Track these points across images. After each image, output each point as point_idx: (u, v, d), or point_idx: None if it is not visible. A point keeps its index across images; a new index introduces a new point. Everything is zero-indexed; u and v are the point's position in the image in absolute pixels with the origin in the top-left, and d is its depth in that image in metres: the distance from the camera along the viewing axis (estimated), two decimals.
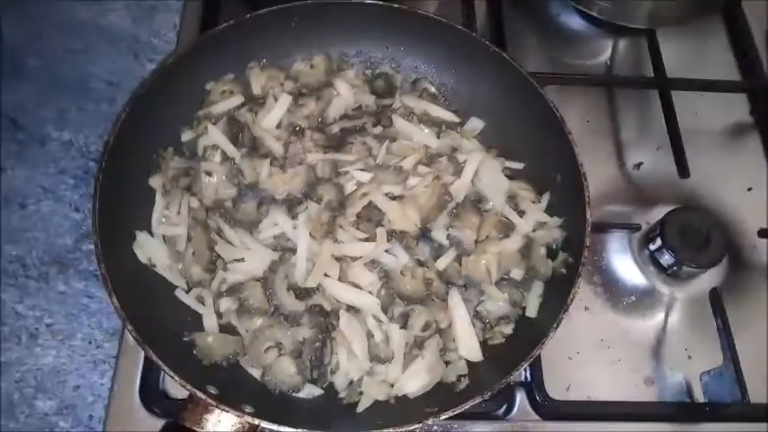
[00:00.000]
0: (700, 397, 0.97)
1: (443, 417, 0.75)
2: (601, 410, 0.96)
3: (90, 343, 1.02)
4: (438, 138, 1.00)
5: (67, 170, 1.15)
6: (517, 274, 0.90)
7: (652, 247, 1.07)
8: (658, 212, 1.08)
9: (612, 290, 1.07)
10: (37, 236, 1.09)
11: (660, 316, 1.06)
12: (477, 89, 1.06)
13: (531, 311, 0.89)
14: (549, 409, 0.94)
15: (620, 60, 1.33)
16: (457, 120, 1.03)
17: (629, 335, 1.04)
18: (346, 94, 1.03)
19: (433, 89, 1.07)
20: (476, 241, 0.91)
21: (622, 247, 1.10)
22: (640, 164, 1.18)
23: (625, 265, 1.09)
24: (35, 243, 1.08)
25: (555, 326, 0.81)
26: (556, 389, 0.96)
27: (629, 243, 1.11)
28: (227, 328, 0.89)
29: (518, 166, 1.01)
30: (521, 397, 0.96)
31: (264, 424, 0.74)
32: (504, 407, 0.95)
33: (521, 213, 0.95)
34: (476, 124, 1.05)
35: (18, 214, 1.11)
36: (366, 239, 0.88)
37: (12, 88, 1.21)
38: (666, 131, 1.18)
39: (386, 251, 0.87)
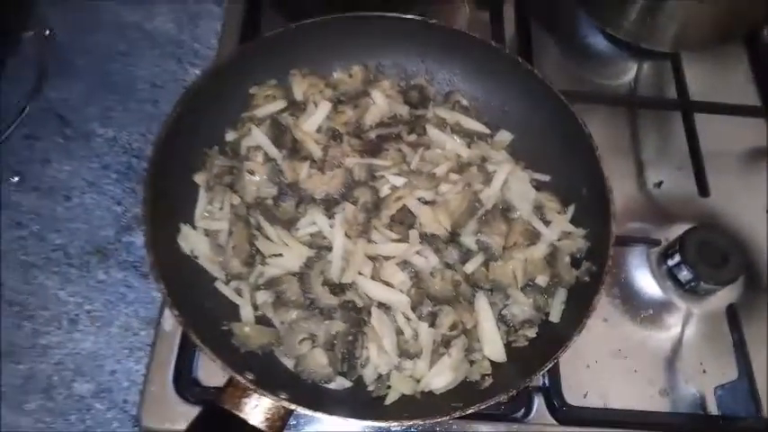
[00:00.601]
0: (713, 410, 0.99)
1: (468, 411, 0.79)
2: (616, 418, 0.98)
3: (127, 330, 1.05)
4: (469, 148, 1.04)
5: (111, 165, 1.17)
6: (542, 280, 0.93)
7: (671, 262, 1.10)
8: (677, 230, 1.12)
9: (631, 302, 1.10)
10: (80, 227, 1.12)
11: (676, 329, 1.09)
12: (507, 103, 1.11)
13: (555, 316, 0.93)
14: (566, 415, 0.97)
15: (643, 82, 1.38)
16: (487, 131, 1.07)
17: (646, 346, 1.06)
18: (382, 103, 1.07)
19: (464, 102, 1.11)
20: (503, 247, 0.94)
21: (641, 261, 1.14)
22: (660, 182, 1.22)
23: (644, 280, 1.12)
24: (78, 233, 1.11)
25: (578, 330, 0.84)
26: (573, 395, 0.99)
27: (648, 258, 1.14)
28: (262, 320, 0.92)
29: (545, 178, 1.04)
30: (539, 401, 0.98)
31: (300, 409, 0.78)
32: (523, 410, 0.98)
33: (546, 223, 0.98)
34: (505, 136, 1.09)
35: (62, 206, 1.14)
36: (399, 240, 0.92)
37: (60, 86, 1.24)
38: (687, 152, 1.22)
39: (417, 253, 0.91)
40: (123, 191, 1.17)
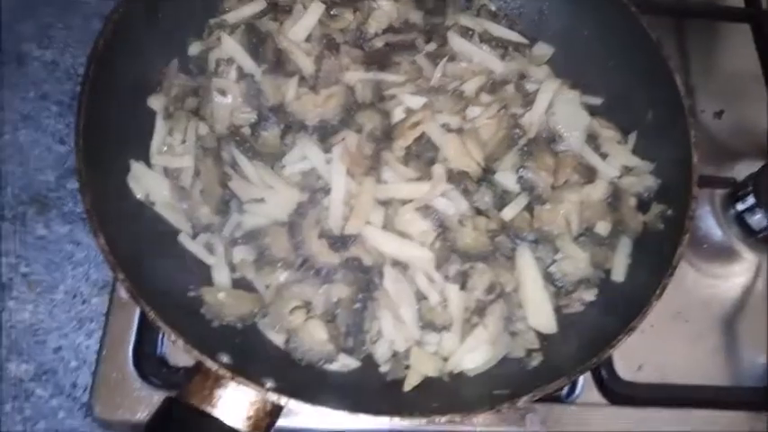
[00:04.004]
0: None
1: (520, 402, 0.59)
2: (677, 395, 0.85)
3: (74, 297, 0.87)
4: (503, 61, 0.82)
5: (50, 95, 1.00)
6: (603, 228, 0.74)
7: (740, 206, 0.96)
8: (745, 168, 0.98)
9: (691, 256, 0.94)
10: (13, 170, 0.94)
11: (746, 286, 0.94)
12: (546, 6, 0.92)
13: (618, 274, 0.74)
14: (619, 392, 0.83)
15: None
16: (525, 41, 0.86)
17: (710, 308, 0.92)
18: (388, 6, 0.85)
19: (492, 7, 0.91)
20: (552, 187, 0.74)
21: (703, 206, 0.98)
22: (721, 112, 1.05)
23: (707, 228, 0.97)
24: (11, 178, 0.93)
25: (657, 292, 0.65)
26: (625, 368, 0.85)
27: (712, 202, 0.99)
28: (241, 284, 0.73)
29: (596, 100, 0.85)
30: (585, 376, 0.83)
31: (291, 403, 0.58)
32: (566, 388, 0.82)
33: (603, 156, 0.79)
34: (544, 50, 0.88)
35: None
36: (417, 179, 0.72)
37: None
38: (753, 74, 1.03)
39: (442, 195, 0.71)
40: (67, 126, 0.98)
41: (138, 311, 0.80)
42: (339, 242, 0.70)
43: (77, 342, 0.85)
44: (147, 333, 0.80)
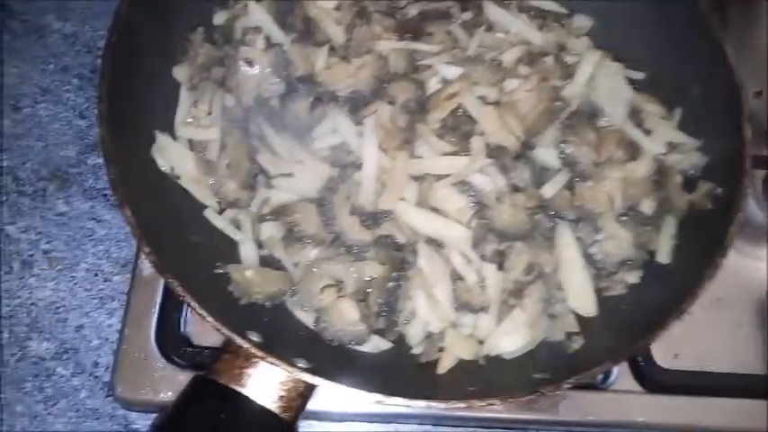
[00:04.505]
0: None
1: (564, 387, 0.56)
2: (715, 384, 0.81)
3: (96, 275, 0.84)
4: (541, 31, 0.78)
5: (71, 68, 0.96)
6: (648, 206, 0.70)
7: None
8: None
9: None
10: (32, 145, 0.91)
11: None
12: None
13: (664, 255, 0.70)
14: (655, 379, 0.80)
15: None
16: (564, 11, 0.81)
17: (750, 294, 0.87)
18: None
19: None
20: (594, 163, 0.70)
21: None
22: (760, 92, 0.98)
23: (748, 209, 0.90)
24: (30, 153, 0.90)
25: (709, 274, 0.61)
26: (662, 356, 0.81)
27: (753, 183, 0.92)
28: (269, 261, 0.70)
29: (638, 75, 0.80)
30: (621, 364, 0.79)
31: (326, 384, 0.55)
32: (602, 374, 0.79)
33: (646, 132, 0.75)
34: (583, 22, 0.84)
35: (10, 118, 0.92)
36: (453, 153, 0.68)
37: None
38: None
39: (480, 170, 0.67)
40: (87, 100, 0.95)
41: (160, 290, 0.78)
42: (371, 219, 0.67)
43: (99, 321, 0.82)
44: (169, 312, 0.78)
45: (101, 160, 0.85)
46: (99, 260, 0.85)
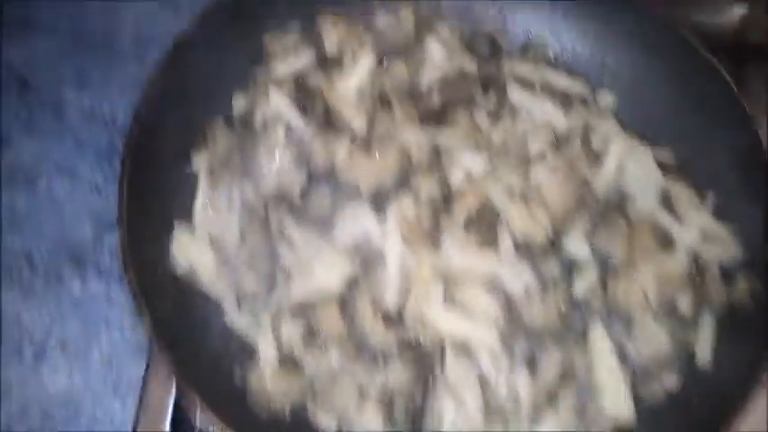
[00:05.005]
0: None
1: None
2: None
3: (110, 363, 0.82)
4: (565, 115, 0.76)
5: (88, 144, 0.95)
6: (684, 304, 0.66)
7: None
8: None
9: None
10: (47, 224, 0.89)
11: None
12: (609, 54, 0.84)
13: (703, 357, 0.66)
14: None
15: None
16: (588, 91, 0.80)
17: None
18: (439, 56, 0.80)
19: (550, 54, 0.85)
20: (626, 257, 0.67)
21: None
22: None
23: None
24: (45, 233, 0.88)
25: (756, 381, 0.58)
26: None
27: None
28: (289, 362, 0.67)
29: (667, 156, 0.78)
30: None
31: None
32: None
33: (678, 220, 0.71)
34: (607, 100, 0.82)
35: (24, 196, 0.90)
36: (480, 248, 0.66)
37: (22, 41, 1.00)
38: None
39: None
40: (104, 177, 0.93)
41: (175, 381, 0.76)
42: (396, 320, 0.64)
43: (113, 411, 0.79)
44: (185, 404, 0.73)
45: (116, 240, 0.85)
46: (114, 346, 0.83)
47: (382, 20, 0.82)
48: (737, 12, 1.10)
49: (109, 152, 0.94)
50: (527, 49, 0.86)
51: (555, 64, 0.84)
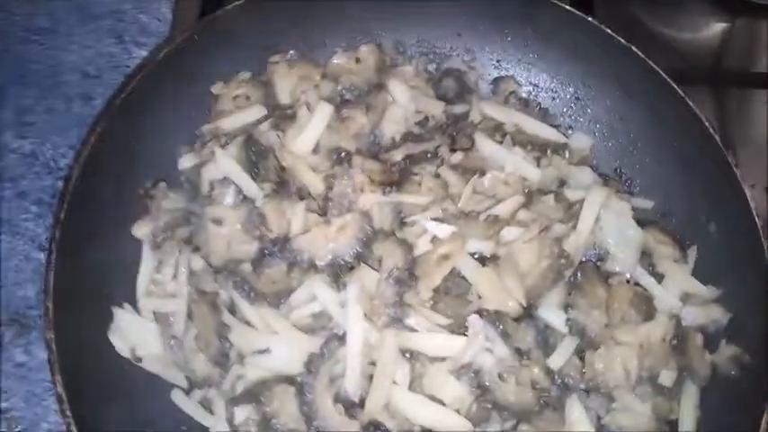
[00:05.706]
0: None
1: None
2: None
3: None
4: (538, 166, 0.71)
5: (29, 193, 0.89)
6: (667, 377, 0.62)
7: None
8: None
9: None
10: None
11: None
12: (581, 90, 0.81)
13: (687, 429, 0.62)
14: None
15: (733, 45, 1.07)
16: (564, 140, 0.75)
17: None
18: (403, 99, 0.75)
19: (522, 92, 0.79)
20: (605, 326, 0.63)
21: None
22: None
23: None
24: None
25: None
26: None
27: None
28: None
29: (646, 204, 0.74)
30: None
31: None
32: None
33: (659, 279, 0.67)
34: (582, 142, 0.78)
35: None
36: (449, 325, 0.61)
37: None
38: None
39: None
40: (47, 229, 0.86)
41: None
42: (357, 407, 0.59)
43: None
44: None
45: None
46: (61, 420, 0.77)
47: (339, 60, 0.77)
48: (718, 26, 1.07)
49: (52, 201, 0.88)
50: (498, 85, 0.81)
51: (528, 103, 0.79)
